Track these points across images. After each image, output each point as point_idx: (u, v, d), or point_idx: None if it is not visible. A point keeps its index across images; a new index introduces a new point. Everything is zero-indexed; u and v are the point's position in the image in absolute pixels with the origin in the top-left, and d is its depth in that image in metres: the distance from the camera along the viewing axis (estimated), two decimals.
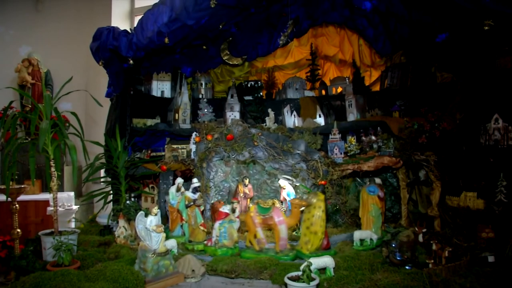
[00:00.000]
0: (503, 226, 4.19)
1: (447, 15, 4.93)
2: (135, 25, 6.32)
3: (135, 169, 6.00)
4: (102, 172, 6.41)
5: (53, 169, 4.34)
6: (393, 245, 3.75)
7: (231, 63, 7.72)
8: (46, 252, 4.15)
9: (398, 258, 3.66)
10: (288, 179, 5.21)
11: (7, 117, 4.76)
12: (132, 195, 5.83)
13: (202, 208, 5.03)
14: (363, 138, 5.93)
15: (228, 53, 7.59)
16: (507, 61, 5.14)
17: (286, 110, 6.91)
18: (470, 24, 4.69)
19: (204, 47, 7.39)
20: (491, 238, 4.08)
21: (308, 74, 7.84)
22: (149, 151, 6.67)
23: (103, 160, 5.93)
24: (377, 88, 7.29)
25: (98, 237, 5.07)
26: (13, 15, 8.33)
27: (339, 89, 7.25)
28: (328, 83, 7.57)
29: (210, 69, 7.99)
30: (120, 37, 6.10)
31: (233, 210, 4.58)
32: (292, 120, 6.80)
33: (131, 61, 6.24)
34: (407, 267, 3.59)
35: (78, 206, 6.88)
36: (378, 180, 5.02)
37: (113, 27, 6.36)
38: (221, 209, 4.57)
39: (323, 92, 7.46)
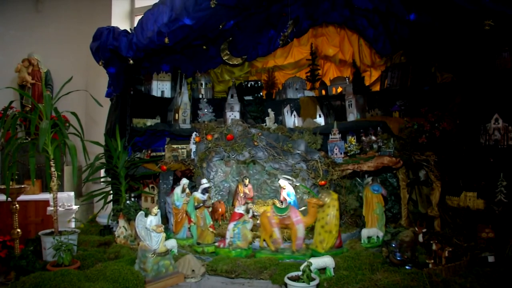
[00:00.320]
0: (503, 226, 4.19)
1: (447, 15, 4.93)
2: (135, 25, 6.33)
3: (135, 169, 6.00)
4: (102, 172, 6.42)
5: (53, 169, 4.34)
6: (393, 245, 3.75)
7: (231, 63, 7.72)
8: (46, 252, 4.15)
9: (398, 258, 3.66)
10: (288, 179, 5.20)
11: (7, 117, 4.77)
12: (132, 195, 5.82)
13: (210, 209, 4.96)
14: (363, 138, 5.92)
15: (228, 53, 7.59)
16: (507, 61, 5.15)
17: (286, 110, 6.90)
18: (470, 24, 4.69)
19: (204, 47, 7.39)
20: (491, 238, 4.08)
21: (308, 74, 7.85)
22: (149, 151, 6.67)
23: (103, 160, 5.93)
24: (377, 88, 7.29)
25: (98, 237, 5.07)
26: (13, 15, 8.34)
27: (339, 89, 7.25)
28: (328, 83, 7.57)
29: (210, 69, 7.99)
30: (120, 37, 6.10)
31: (247, 211, 4.51)
32: (292, 120, 6.80)
33: (131, 61, 6.24)
34: (407, 267, 3.59)
35: (78, 206, 6.88)
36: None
37: (113, 27, 6.36)
38: (235, 210, 4.51)
39: (323, 92, 7.46)
